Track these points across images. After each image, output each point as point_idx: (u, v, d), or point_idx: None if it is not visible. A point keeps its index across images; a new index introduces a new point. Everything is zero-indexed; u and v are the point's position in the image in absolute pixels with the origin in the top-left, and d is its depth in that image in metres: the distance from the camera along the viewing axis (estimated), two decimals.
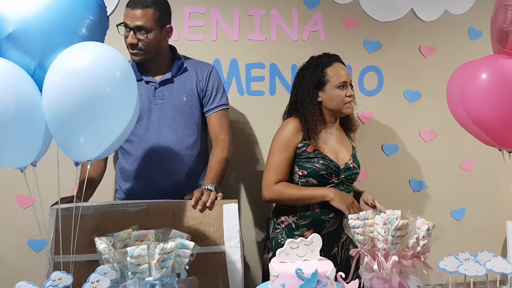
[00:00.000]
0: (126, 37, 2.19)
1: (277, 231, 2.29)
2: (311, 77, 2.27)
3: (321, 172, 2.20)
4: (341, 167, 2.23)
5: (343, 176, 2.23)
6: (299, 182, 2.25)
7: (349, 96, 2.24)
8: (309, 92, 2.26)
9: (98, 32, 1.56)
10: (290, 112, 2.34)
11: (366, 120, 2.89)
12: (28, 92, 1.43)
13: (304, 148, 2.23)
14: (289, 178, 2.27)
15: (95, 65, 1.42)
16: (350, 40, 2.86)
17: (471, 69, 1.91)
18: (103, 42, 1.61)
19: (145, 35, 2.15)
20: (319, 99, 2.26)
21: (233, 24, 2.76)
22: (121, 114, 1.48)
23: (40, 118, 1.44)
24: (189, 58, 2.40)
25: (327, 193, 2.17)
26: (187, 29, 2.72)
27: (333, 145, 2.28)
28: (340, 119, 2.36)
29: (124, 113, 1.49)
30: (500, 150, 1.98)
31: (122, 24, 2.18)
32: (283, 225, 2.28)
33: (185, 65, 2.33)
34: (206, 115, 2.35)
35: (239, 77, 2.77)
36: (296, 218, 2.25)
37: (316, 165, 2.21)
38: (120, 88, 1.45)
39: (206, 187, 2.05)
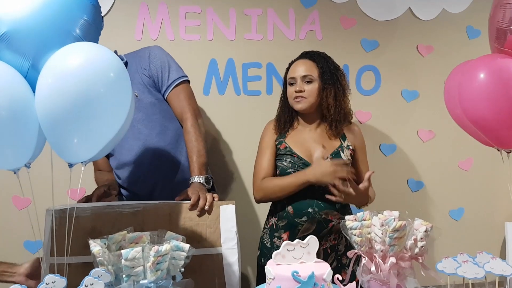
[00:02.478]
0: None
1: (264, 230, 2.31)
2: (284, 76, 2.32)
3: (288, 170, 2.18)
4: None
5: None
6: None
7: (297, 92, 2.20)
8: (282, 91, 2.32)
9: (92, 33, 1.54)
10: None
11: (364, 119, 2.88)
12: (21, 93, 1.41)
13: (278, 146, 2.25)
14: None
15: (89, 66, 1.40)
16: (347, 39, 2.85)
17: (469, 69, 1.90)
18: (97, 42, 1.59)
19: None
20: None
21: (229, 24, 2.75)
22: (115, 115, 1.46)
23: (33, 119, 1.42)
24: (129, 54, 2.28)
25: (306, 177, 2.09)
26: (183, 29, 2.71)
27: (307, 143, 2.23)
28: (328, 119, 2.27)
29: (118, 113, 1.47)
30: (498, 150, 1.97)
31: None
32: (268, 226, 2.29)
33: (124, 60, 2.22)
34: (165, 99, 2.22)
35: (235, 76, 2.76)
36: (276, 219, 2.24)
37: (284, 163, 2.20)
38: (114, 89, 1.43)
39: (196, 181, 2.00)
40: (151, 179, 2.23)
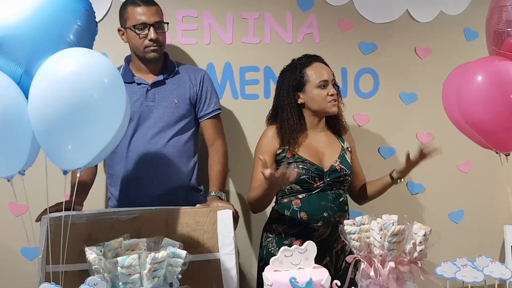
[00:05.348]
0: (140, 36, 2.20)
1: (268, 239, 2.25)
2: (290, 79, 2.25)
3: (302, 177, 2.14)
4: (326, 170, 2.17)
5: (328, 179, 2.17)
6: (285, 189, 2.21)
7: (332, 95, 2.19)
8: (288, 95, 2.24)
9: (86, 38, 1.53)
10: (271, 117, 2.32)
11: (362, 122, 2.86)
12: (14, 100, 1.40)
13: (283, 154, 2.20)
14: None
15: (82, 72, 1.39)
16: (345, 42, 2.83)
17: (466, 72, 1.89)
18: (91, 48, 1.59)
19: (163, 30, 2.25)
20: (300, 101, 2.23)
21: (226, 27, 2.73)
22: (109, 121, 1.46)
23: (26, 126, 1.41)
24: (181, 64, 2.42)
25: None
26: (180, 33, 2.69)
27: (315, 148, 2.22)
28: (328, 121, 2.31)
29: (113, 120, 1.46)
30: (497, 153, 1.96)
31: (136, 25, 2.19)
32: (273, 234, 2.24)
33: (177, 68, 2.36)
34: (200, 120, 2.37)
35: (233, 80, 2.74)
36: (285, 226, 2.20)
37: (296, 170, 2.15)
38: (108, 95, 1.43)
39: (216, 195, 2.16)
40: (149, 183, 2.25)
